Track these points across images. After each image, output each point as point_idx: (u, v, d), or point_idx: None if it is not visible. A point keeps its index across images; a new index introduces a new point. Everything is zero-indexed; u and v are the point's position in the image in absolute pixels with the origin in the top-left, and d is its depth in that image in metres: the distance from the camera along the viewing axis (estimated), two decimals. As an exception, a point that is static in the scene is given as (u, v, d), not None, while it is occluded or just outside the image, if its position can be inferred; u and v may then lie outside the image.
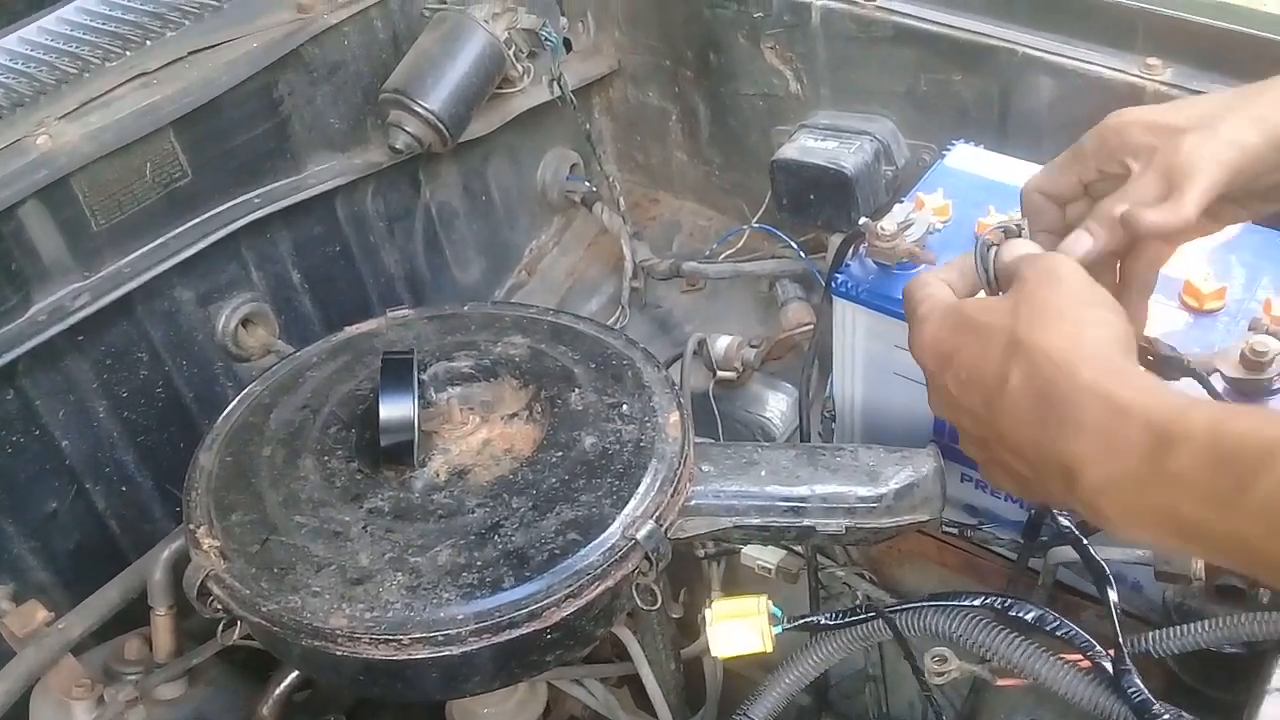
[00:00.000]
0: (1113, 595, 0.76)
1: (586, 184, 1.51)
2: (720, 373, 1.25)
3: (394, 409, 0.85)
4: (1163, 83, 1.04)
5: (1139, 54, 1.06)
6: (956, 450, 0.82)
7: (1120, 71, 1.05)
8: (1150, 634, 0.73)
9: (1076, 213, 0.76)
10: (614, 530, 0.80)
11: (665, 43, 1.43)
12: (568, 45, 1.45)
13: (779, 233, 1.32)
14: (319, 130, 1.19)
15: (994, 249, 0.71)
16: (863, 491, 0.89)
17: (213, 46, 1.07)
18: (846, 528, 0.89)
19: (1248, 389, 0.83)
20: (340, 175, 1.20)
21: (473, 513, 0.83)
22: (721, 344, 1.26)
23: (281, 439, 0.91)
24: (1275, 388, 0.82)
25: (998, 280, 0.71)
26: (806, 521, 0.89)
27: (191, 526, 0.85)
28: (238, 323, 1.17)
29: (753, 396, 1.28)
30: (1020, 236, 0.72)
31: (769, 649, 0.85)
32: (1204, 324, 0.90)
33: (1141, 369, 0.60)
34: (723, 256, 1.39)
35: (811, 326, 1.27)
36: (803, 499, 0.89)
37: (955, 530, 1.06)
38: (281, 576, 0.79)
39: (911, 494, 0.90)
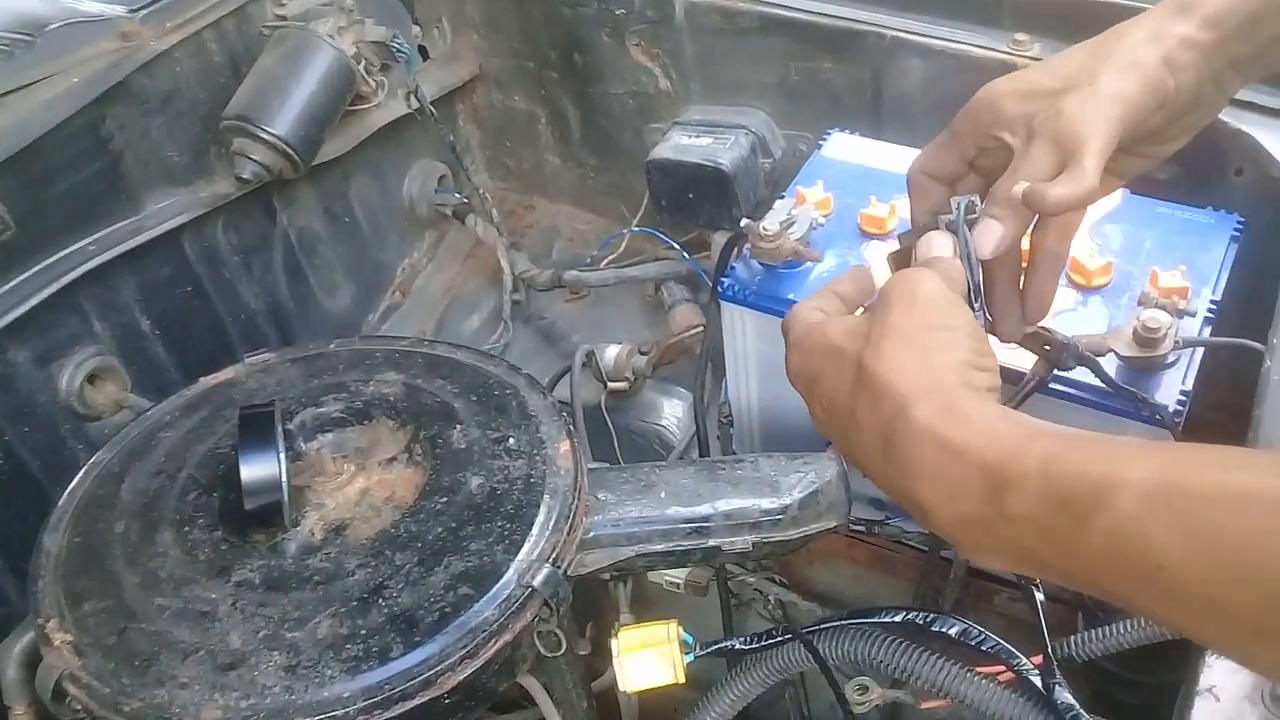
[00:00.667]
0: (1038, 596, 0.74)
1: (457, 195, 1.44)
2: (611, 384, 1.20)
3: (256, 468, 0.78)
4: (1032, 58, 1.02)
5: (1006, 30, 1.04)
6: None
7: (989, 49, 1.04)
8: (1074, 638, 0.71)
9: (967, 189, 0.73)
10: (509, 579, 0.74)
11: (527, 44, 1.37)
12: (424, 53, 1.38)
13: (660, 234, 1.27)
14: (156, 165, 1.10)
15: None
16: (766, 504, 0.85)
17: (26, 86, 0.97)
18: (753, 544, 0.85)
19: (1142, 366, 0.81)
20: (185, 211, 1.11)
21: (353, 575, 0.76)
22: (610, 354, 1.21)
23: (136, 512, 0.83)
24: (1169, 362, 0.82)
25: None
26: (711, 541, 0.85)
27: (40, 621, 0.76)
28: (83, 380, 1.07)
29: (647, 405, 1.23)
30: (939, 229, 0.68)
31: (681, 679, 0.81)
32: (1094, 301, 0.89)
33: (980, 396, 0.56)
34: (605, 263, 1.34)
35: (701, 329, 1.23)
36: (705, 518, 0.85)
37: (862, 528, 1.04)
38: (144, 669, 0.71)
39: (816, 502, 0.86)
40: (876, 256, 0.95)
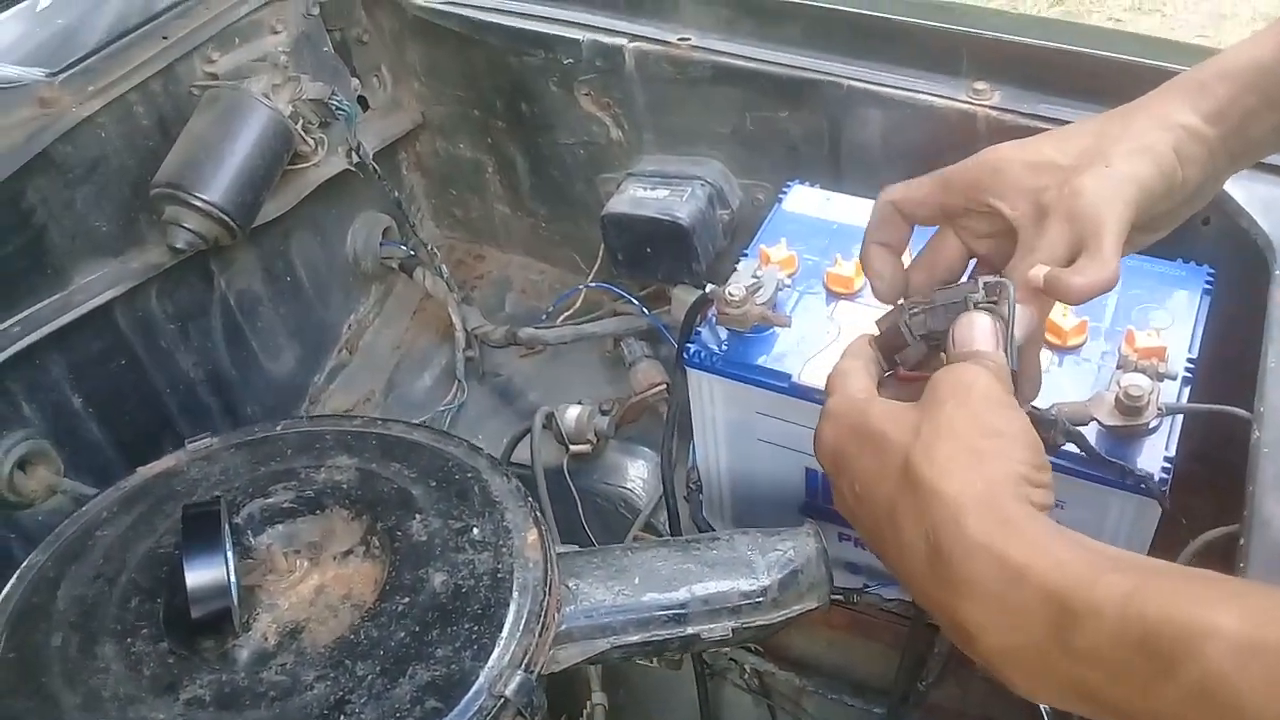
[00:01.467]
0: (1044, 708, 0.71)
1: (403, 248, 1.39)
2: (574, 447, 1.16)
3: (203, 573, 0.73)
4: (992, 106, 1.00)
5: (966, 78, 1.03)
6: (832, 510, 0.75)
7: (949, 98, 1.02)
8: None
9: (942, 246, 0.71)
10: (479, 688, 0.70)
11: (471, 93, 1.33)
12: (363, 103, 1.33)
13: (618, 289, 1.24)
14: (84, 237, 1.03)
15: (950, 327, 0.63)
16: (745, 586, 0.82)
17: (-63, 160, 0.91)
18: (732, 630, 0.82)
19: (1126, 435, 0.79)
20: (116, 284, 1.05)
21: (311, 689, 0.71)
22: (571, 415, 1.17)
23: (73, 622, 0.77)
24: (1152, 427, 0.80)
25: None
26: (690, 630, 0.81)
27: (-31, 753, 0.70)
28: (12, 466, 1.01)
29: (610, 467, 1.19)
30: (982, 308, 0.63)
31: None
32: (1070, 363, 0.87)
33: (1036, 514, 0.53)
34: (561, 318, 1.29)
35: (664, 386, 1.19)
36: (682, 605, 0.81)
37: (841, 596, 1.01)
38: (87, 806, 0.66)
39: (796, 582, 0.83)
40: (847, 318, 0.92)
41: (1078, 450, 0.77)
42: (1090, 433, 0.79)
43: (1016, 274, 0.62)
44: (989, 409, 0.57)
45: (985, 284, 0.62)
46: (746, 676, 1.09)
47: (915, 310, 0.66)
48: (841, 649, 1.07)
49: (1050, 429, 0.71)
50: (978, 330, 0.61)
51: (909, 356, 0.67)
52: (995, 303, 0.61)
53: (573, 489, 1.15)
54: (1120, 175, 0.61)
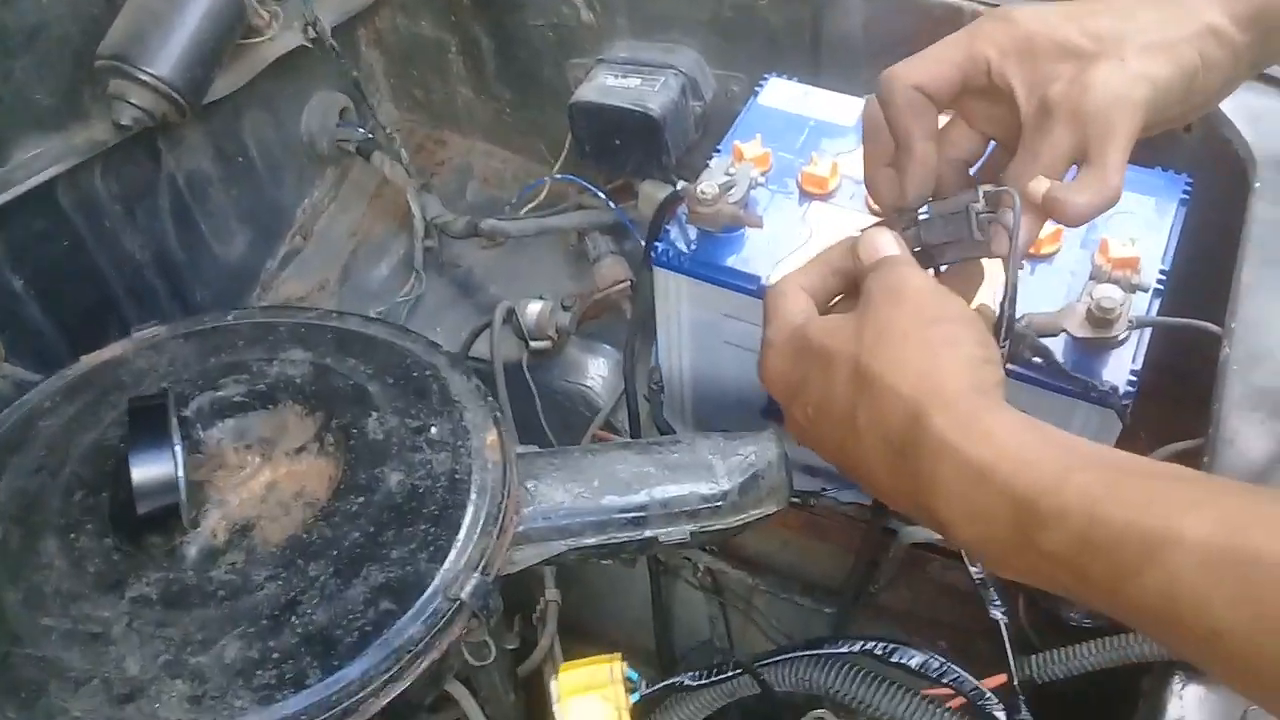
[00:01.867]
0: (999, 618, 0.71)
1: (361, 130, 1.34)
2: (534, 343, 1.14)
3: (149, 468, 0.70)
4: (981, 1, 0.96)
5: (953, -30, 0.98)
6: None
7: (936, -10, 0.97)
8: (1036, 658, 0.69)
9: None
10: (434, 591, 0.69)
11: (434, -34, 1.26)
12: (321, -26, 1.26)
13: (584, 182, 1.20)
14: (24, 110, 0.98)
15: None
16: (704, 490, 0.81)
17: None
18: (691, 533, 0.81)
19: (1095, 347, 0.78)
20: (58, 161, 1.00)
21: (262, 588, 0.69)
22: (532, 311, 1.14)
23: (14, 515, 0.75)
24: (1122, 339, 0.79)
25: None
26: (648, 532, 0.80)
27: (-93, 646, 0.68)
28: (-51, 351, 0.97)
29: (571, 364, 1.17)
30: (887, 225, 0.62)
31: None
32: (1044, 271, 0.85)
33: (996, 401, 0.52)
34: (525, 209, 1.25)
35: (628, 284, 1.17)
36: (641, 507, 0.80)
37: (799, 499, 1.01)
38: (32, 701, 0.64)
39: (756, 486, 0.82)
40: (820, 220, 0.90)
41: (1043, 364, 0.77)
42: (1059, 343, 0.78)
43: (1019, 183, 0.59)
44: (925, 298, 0.56)
45: (986, 193, 0.60)
46: (700, 574, 1.10)
47: (908, 225, 0.63)
48: (795, 549, 1.08)
49: (1019, 343, 0.70)
50: (881, 241, 0.61)
51: None
52: (994, 213, 0.59)
53: (532, 386, 1.13)
54: (1135, 74, 0.57)
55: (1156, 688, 0.57)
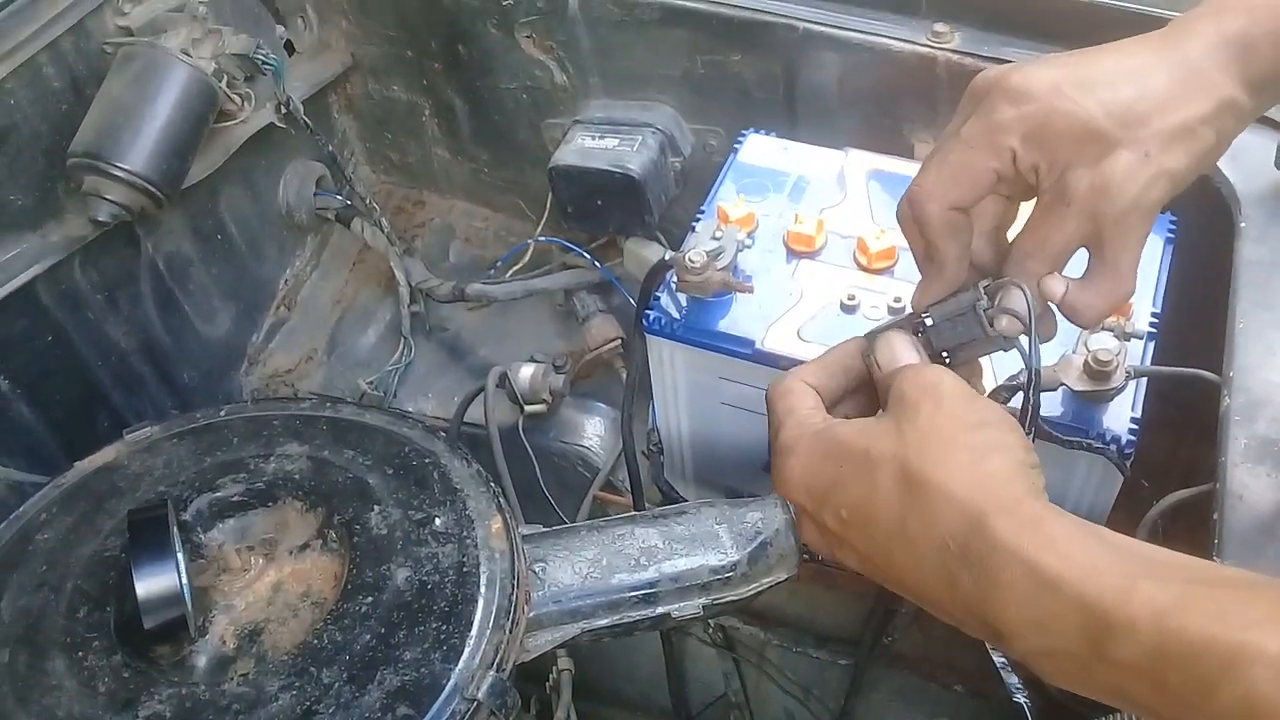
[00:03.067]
0: (1021, 700, 0.71)
1: (338, 198, 1.33)
2: (528, 406, 1.13)
3: (153, 581, 0.69)
4: (953, 50, 0.97)
5: (925, 19, 0.99)
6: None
7: (908, 41, 0.98)
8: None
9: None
10: (450, 692, 0.68)
11: (403, 32, 1.26)
12: (289, 48, 1.25)
13: (568, 244, 1.20)
14: (-1, 212, 0.97)
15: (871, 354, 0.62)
16: (714, 561, 0.81)
17: None
18: (703, 607, 0.81)
19: (1095, 399, 0.79)
20: (37, 261, 0.99)
21: (277, 699, 0.68)
22: (525, 374, 1.14)
23: (20, 636, 0.73)
24: (1120, 387, 0.79)
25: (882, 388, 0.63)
26: (660, 609, 0.80)
27: (-81, 783, 0.67)
28: (-61, 457, 0.96)
29: (567, 425, 1.17)
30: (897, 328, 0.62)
31: None
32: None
33: (1057, 510, 0.52)
34: (510, 272, 1.25)
35: (619, 342, 1.17)
36: (652, 584, 0.80)
37: (809, 555, 1.01)
38: (51, 837, 0.64)
39: (765, 555, 0.81)
40: (809, 278, 0.90)
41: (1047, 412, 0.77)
42: (1057, 396, 0.79)
43: (1027, 264, 0.59)
44: (965, 403, 0.56)
45: (987, 288, 0.60)
46: (710, 631, 1.09)
47: (918, 328, 0.64)
48: (805, 599, 1.07)
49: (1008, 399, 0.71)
50: (900, 350, 0.61)
51: None
52: (994, 305, 0.60)
53: (529, 449, 1.13)
54: (1155, 171, 0.56)
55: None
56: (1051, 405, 0.77)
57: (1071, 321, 0.59)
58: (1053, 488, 0.84)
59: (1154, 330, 0.83)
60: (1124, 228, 0.56)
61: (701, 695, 1.15)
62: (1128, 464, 0.77)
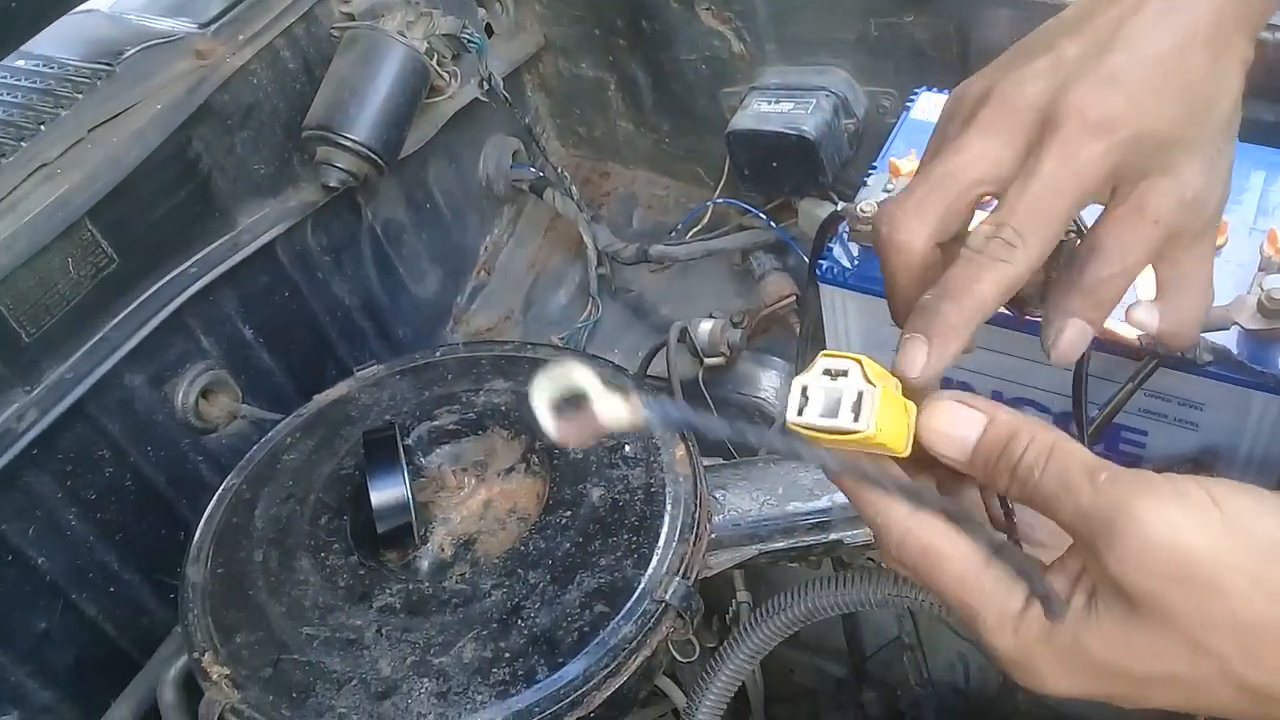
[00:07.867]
0: None
1: (532, 170, 1.44)
2: (708, 359, 1.20)
3: (386, 493, 0.80)
4: (1128, 2, 0.97)
5: (1099, -27, 0.99)
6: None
7: (1082, -5, 0.99)
8: None
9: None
10: (642, 594, 0.76)
11: (591, 12, 1.34)
12: (489, 30, 1.36)
13: (745, 205, 1.26)
14: (245, 180, 1.11)
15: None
16: (884, 493, 0.86)
17: (114, 118, 0.97)
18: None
19: (1268, 338, 0.79)
20: (278, 223, 1.12)
21: (490, 595, 0.78)
22: (705, 329, 1.20)
23: (271, 539, 0.86)
24: (1295, 329, 0.79)
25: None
26: (833, 535, 0.86)
27: (196, 655, 0.80)
28: (197, 396, 1.10)
29: (744, 377, 1.23)
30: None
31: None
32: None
33: None
34: (690, 234, 1.32)
35: (793, 298, 1.22)
36: (824, 511, 0.86)
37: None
38: (303, 700, 0.75)
39: (935, 488, 0.86)
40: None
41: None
42: (1231, 335, 0.79)
43: (1093, 275, 0.51)
44: (1246, 554, 0.41)
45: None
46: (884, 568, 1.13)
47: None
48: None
49: (1194, 349, 0.72)
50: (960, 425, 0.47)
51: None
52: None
53: (708, 400, 1.20)
54: (1226, 168, 0.52)
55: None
56: (1225, 344, 0.78)
57: (1166, 349, 0.56)
58: (1227, 430, 0.86)
59: (1333, 271, 0.82)
60: (1207, 237, 0.53)
61: (875, 638, 1.19)
62: (1305, 401, 0.77)
